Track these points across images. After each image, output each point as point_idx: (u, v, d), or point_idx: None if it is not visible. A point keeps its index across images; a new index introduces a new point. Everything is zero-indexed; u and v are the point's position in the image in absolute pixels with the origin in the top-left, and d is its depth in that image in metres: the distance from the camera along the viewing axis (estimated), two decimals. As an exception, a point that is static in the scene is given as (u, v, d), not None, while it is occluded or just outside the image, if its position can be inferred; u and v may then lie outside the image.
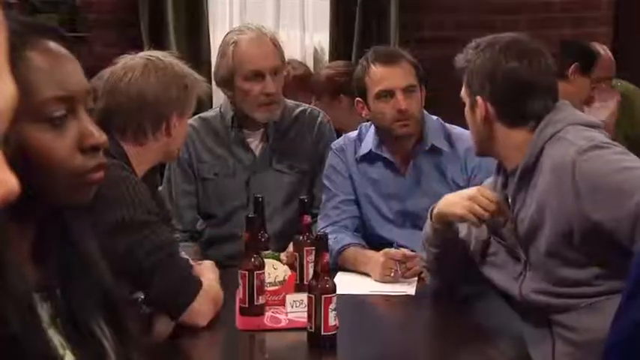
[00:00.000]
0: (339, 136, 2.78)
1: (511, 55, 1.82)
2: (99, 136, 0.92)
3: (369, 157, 2.47)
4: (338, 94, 3.29)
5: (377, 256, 2.25)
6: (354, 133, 2.55)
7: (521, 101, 1.82)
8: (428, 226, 2.01)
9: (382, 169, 2.46)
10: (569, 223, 1.69)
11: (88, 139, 0.91)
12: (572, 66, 3.10)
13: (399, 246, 2.27)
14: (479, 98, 1.83)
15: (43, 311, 0.89)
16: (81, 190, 0.92)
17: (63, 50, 0.93)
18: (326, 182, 2.50)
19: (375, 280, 2.22)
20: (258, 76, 2.45)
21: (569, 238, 1.70)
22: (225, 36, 2.57)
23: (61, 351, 0.88)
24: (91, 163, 0.91)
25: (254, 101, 2.47)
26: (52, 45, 0.92)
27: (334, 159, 2.50)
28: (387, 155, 2.44)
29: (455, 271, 2.03)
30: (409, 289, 2.17)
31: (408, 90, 2.37)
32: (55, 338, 0.89)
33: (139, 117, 1.88)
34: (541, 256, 1.77)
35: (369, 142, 2.47)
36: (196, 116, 2.60)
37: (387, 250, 2.25)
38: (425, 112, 2.46)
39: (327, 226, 2.41)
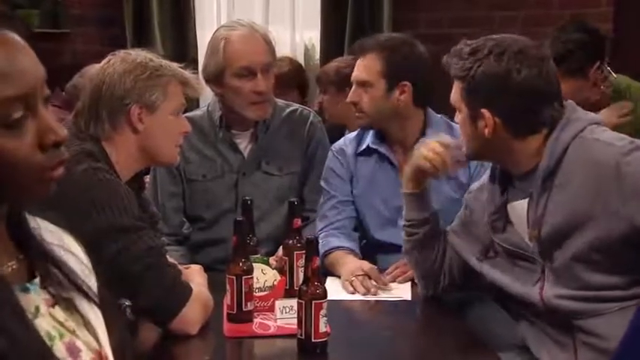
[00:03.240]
0: (341, 131, 2.79)
1: (521, 64, 1.75)
2: (60, 132, 0.89)
3: (368, 152, 2.50)
4: (344, 87, 3.32)
5: (348, 269, 2.25)
6: (354, 132, 2.58)
7: (533, 112, 1.78)
8: (405, 204, 2.12)
9: (379, 163, 2.49)
10: (610, 227, 1.67)
11: (48, 136, 0.88)
12: (596, 65, 3.03)
13: (383, 270, 2.28)
14: (485, 111, 1.78)
15: (28, 301, 0.89)
16: (41, 186, 0.90)
17: (16, 39, 0.88)
18: (323, 184, 2.52)
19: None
20: (249, 73, 2.45)
21: (606, 243, 1.69)
22: (215, 31, 2.57)
23: (48, 341, 0.88)
24: (53, 161, 0.89)
25: (245, 99, 2.47)
26: (5, 34, 0.86)
27: (333, 161, 2.52)
28: (383, 150, 2.47)
29: (433, 262, 2.07)
30: (405, 294, 2.17)
31: (361, 84, 2.42)
32: (45, 326, 0.89)
33: (97, 108, 1.86)
34: (567, 261, 1.75)
35: (368, 138, 2.51)
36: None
37: (357, 267, 2.24)
38: (430, 109, 2.48)
39: (325, 227, 2.45)
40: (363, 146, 2.50)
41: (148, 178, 2.44)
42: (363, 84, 2.41)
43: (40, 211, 0.96)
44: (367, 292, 2.16)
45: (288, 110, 2.64)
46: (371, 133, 2.50)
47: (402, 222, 2.12)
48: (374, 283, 2.19)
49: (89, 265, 1.03)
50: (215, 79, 2.49)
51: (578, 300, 1.76)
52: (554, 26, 3.06)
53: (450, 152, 1.99)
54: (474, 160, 2.00)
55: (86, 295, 0.97)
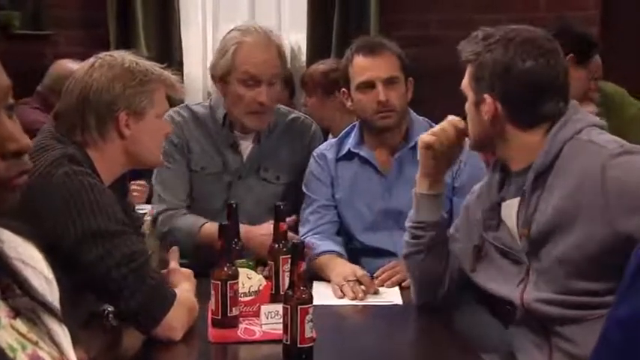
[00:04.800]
0: (326, 135, 2.77)
1: (527, 54, 1.77)
2: (22, 140, 0.88)
3: (348, 156, 2.50)
4: (332, 91, 3.30)
5: (338, 272, 2.24)
6: (336, 138, 2.58)
7: (535, 103, 1.79)
8: (416, 204, 2.04)
9: (360, 166, 2.49)
10: (592, 230, 1.67)
11: (8, 144, 0.87)
12: (567, 58, 3.06)
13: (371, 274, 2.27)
14: (487, 96, 1.80)
15: None
16: (4, 197, 0.88)
17: None
18: (305, 189, 2.53)
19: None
20: (254, 82, 2.44)
21: (588, 247, 1.69)
22: (229, 32, 2.55)
23: (10, 353, 0.87)
24: (14, 170, 0.88)
25: (245, 107, 2.47)
26: None
27: (314, 166, 2.53)
28: (364, 153, 2.47)
29: (437, 268, 2.04)
30: (395, 298, 2.17)
31: (389, 81, 2.40)
32: (6, 338, 0.88)
33: (83, 115, 1.85)
34: (552, 263, 1.75)
35: (349, 142, 2.51)
36: (183, 105, 2.60)
37: (349, 272, 2.24)
38: (411, 111, 2.50)
39: (308, 232, 2.44)
40: (344, 150, 2.50)
41: (134, 186, 2.43)
42: (393, 80, 2.41)
43: (6, 219, 0.95)
44: (355, 297, 2.16)
45: (290, 117, 2.64)
46: (352, 136, 2.51)
47: (408, 223, 2.08)
48: (363, 288, 2.18)
49: (50, 275, 1.01)
50: (220, 79, 2.49)
51: (557, 305, 1.75)
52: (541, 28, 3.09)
53: (455, 128, 1.97)
54: (477, 150, 1.98)
55: (50, 311, 0.96)
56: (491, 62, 1.79)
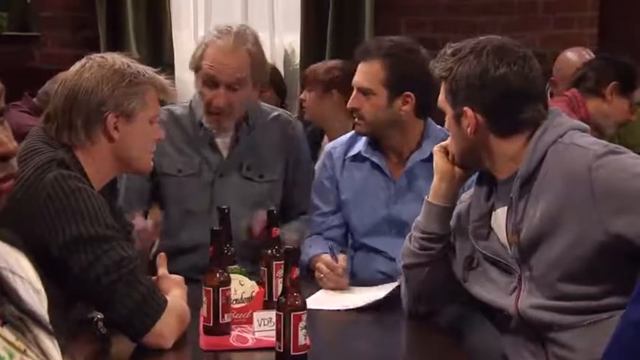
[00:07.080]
0: (321, 134, 2.76)
1: (500, 62, 1.80)
2: (8, 144, 0.88)
3: (358, 159, 2.51)
4: (330, 89, 3.35)
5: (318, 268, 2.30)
6: (347, 135, 2.59)
7: (514, 110, 1.81)
8: (427, 213, 2.00)
9: (370, 171, 2.49)
10: (584, 232, 1.68)
11: None
12: (611, 85, 3.10)
13: (340, 251, 2.34)
14: (467, 109, 1.82)
15: None
16: None
17: None
18: (313, 194, 2.56)
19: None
20: (213, 84, 2.45)
21: (580, 249, 1.70)
22: (209, 31, 2.58)
23: None
24: (0, 174, 0.88)
25: (205, 106, 2.50)
26: None
27: (321, 168, 2.56)
28: (375, 159, 2.48)
29: (437, 281, 2.02)
30: (380, 292, 2.18)
31: (361, 91, 2.41)
32: None
33: (70, 115, 1.84)
34: (544, 268, 1.76)
35: (360, 144, 2.52)
36: (164, 107, 2.60)
37: (322, 264, 2.29)
38: (430, 120, 2.47)
39: (310, 235, 2.50)
40: (355, 151, 2.51)
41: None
42: (365, 91, 2.41)
43: None
44: (337, 285, 2.24)
45: (272, 115, 2.64)
46: (364, 139, 2.51)
47: (416, 233, 2.02)
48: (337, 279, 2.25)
49: (39, 286, 1.01)
50: (194, 73, 2.53)
51: (552, 310, 1.76)
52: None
53: None
54: (462, 167, 1.97)
55: (38, 322, 0.95)
56: (466, 74, 1.81)
